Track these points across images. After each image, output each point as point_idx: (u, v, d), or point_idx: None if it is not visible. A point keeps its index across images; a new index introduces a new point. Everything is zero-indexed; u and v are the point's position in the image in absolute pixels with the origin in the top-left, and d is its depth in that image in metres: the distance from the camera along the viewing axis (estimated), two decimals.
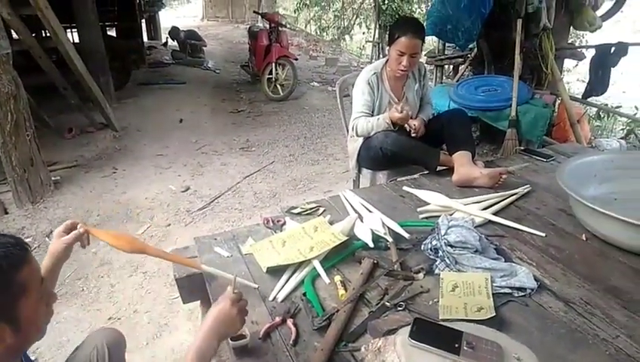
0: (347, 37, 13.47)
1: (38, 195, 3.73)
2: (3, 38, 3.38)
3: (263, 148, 5.01)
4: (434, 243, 1.73)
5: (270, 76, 6.90)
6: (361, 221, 1.97)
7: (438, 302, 1.54)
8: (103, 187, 4.07)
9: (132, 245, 1.46)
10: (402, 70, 2.51)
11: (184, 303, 1.82)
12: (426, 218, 2.07)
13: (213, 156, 4.83)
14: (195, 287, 1.79)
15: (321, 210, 2.19)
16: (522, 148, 2.94)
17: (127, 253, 1.46)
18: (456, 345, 0.76)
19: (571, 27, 4.56)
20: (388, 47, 2.64)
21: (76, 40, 6.53)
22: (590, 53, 4.35)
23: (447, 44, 4.75)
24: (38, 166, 3.73)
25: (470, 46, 4.50)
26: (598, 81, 4.15)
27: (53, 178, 3.99)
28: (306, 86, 7.80)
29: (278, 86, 6.96)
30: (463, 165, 2.41)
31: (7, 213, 3.64)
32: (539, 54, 4.16)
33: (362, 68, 2.97)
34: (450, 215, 1.94)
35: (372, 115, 2.63)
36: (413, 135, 2.57)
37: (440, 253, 1.70)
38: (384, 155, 2.54)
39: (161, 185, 4.10)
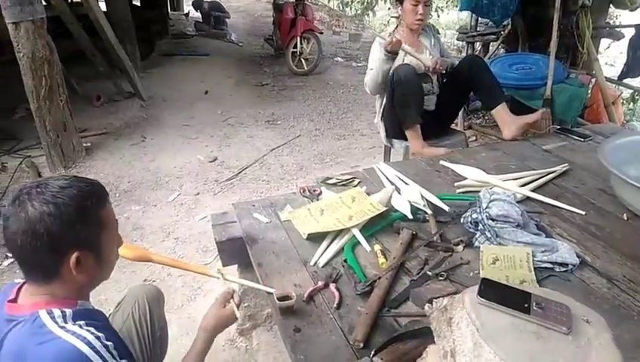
0: (370, 13, 13.22)
1: (71, 160, 3.81)
2: (38, 3, 3.39)
3: (289, 122, 5.01)
4: (474, 216, 1.73)
5: (295, 50, 6.84)
6: (399, 193, 1.98)
7: (478, 273, 1.55)
8: (132, 154, 4.13)
9: (134, 253, 1.46)
10: (419, 20, 2.55)
11: (223, 266, 1.86)
12: (463, 193, 2.06)
13: (239, 128, 4.85)
14: (235, 251, 1.83)
15: (357, 181, 2.20)
16: (559, 127, 2.88)
17: (129, 260, 1.46)
18: (526, 305, 0.77)
19: (610, 5, 4.41)
20: (399, 6, 2.65)
21: (103, 9, 6.53)
22: (628, 33, 4.21)
23: (479, 21, 4.63)
24: (71, 131, 3.79)
25: (504, 23, 4.39)
26: (636, 62, 4.03)
27: (84, 144, 4.05)
28: (329, 61, 7.71)
29: (302, 60, 6.90)
30: (508, 118, 2.60)
31: (40, 176, 3.72)
32: (575, 32, 4.04)
33: None
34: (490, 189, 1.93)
35: None
36: (431, 69, 2.60)
37: (480, 226, 1.71)
38: (396, 92, 2.57)
39: (189, 155, 4.14)
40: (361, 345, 1.27)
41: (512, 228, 1.65)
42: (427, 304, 0.85)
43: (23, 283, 1.07)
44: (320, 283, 1.50)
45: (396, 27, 2.76)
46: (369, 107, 5.39)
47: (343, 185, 2.17)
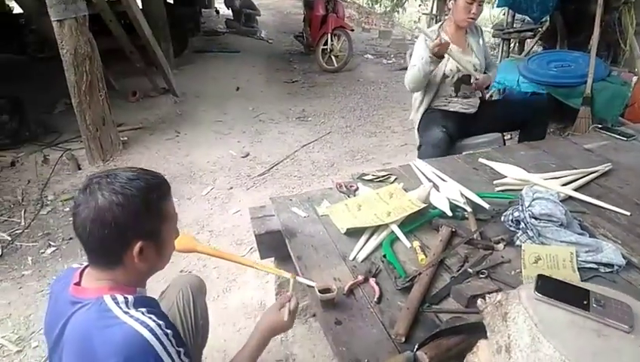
0: (400, 9, 13.11)
1: (109, 153, 3.91)
2: (80, 1, 3.49)
3: (319, 119, 5.02)
4: (516, 214, 1.70)
5: (325, 47, 6.86)
6: (437, 190, 1.97)
7: (520, 272, 1.53)
8: (167, 149, 4.22)
9: (181, 244, 1.44)
10: (471, 18, 2.49)
11: (262, 259, 1.89)
12: (502, 191, 2.03)
13: (270, 124, 4.89)
14: (273, 244, 1.85)
15: (393, 177, 2.20)
16: (600, 125, 2.80)
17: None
18: (585, 302, 0.76)
19: None
20: (451, 0, 2.60)
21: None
22: None
23: (515, 17, 4.54)
24: (109, 125, 3.90)
25: (542, 19, 4.29)
26: None
27: (121, 138, 4.16)
28: (359, 58, 7.70)
29: (332, 57, 6.91)
30: None
31: (80, 168, 3.84)
32: (617, 29, 3.92)
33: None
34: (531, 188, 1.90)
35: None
36: (473, 83, 2.54)
37: (522, 224, 1.68)
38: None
39: (221, 150, 4.20)
40: (403, 339, 1.27)
41: (555, 227, 1.62)
42: (480, 299, 0.85)
43: (85, 268, 1.11)
44: (360, 278, 1.50)
45: (442, 23, 2.70)
46: (400, 104, 5.37)
47: (380, 181, 2.17)
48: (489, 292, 1.41)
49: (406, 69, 2.82)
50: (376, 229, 1.76)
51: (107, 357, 0.95)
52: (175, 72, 6.00)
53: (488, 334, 0.83)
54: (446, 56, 2.52)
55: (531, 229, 1.63)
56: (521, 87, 3.75)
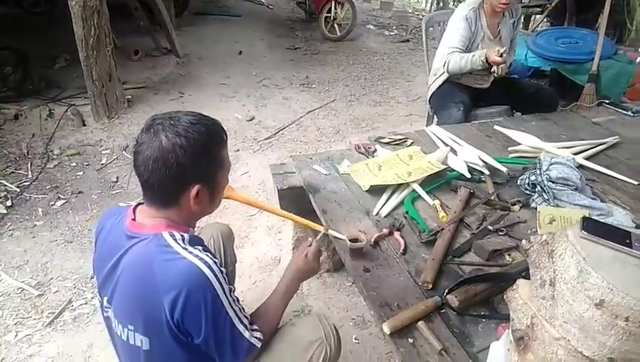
0: None
1: (114, 111, 3.89)
2: None
3: (324, 86, 5.02)
4: (532, 178, 1.77)
5: (328, 15, 6.77)
6: (454, 153, 2.03)
7: (536, 231, 1.60)
8: (171, 109, 4.07)
9: None
10: (505, 4, 2.47)
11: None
12: (516, 157, 2.10)
13: (274, 89, 4.87)
14: (294, 199, 1.90)
15: (409, 141, 2.24)
16: (607, 101, 2.87)
17: None
18: (627, 241, 0.82)
19: None
20: None
21: None
22: None
23: None
24: (115, 82, 3.86)
25: None
26: None
27: (125, 96, 4.12)
28: (361, 28, 7.61)
29: (335, 25, 6.83)
30: None
31: (84, 124, 3.82)
32: (625, 9, 3.95)
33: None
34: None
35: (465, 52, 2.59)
36: (495, 75, 2.55)
37: (538, 188, 1.75)
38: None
39: (227, 113, 4.19)
40: (430, 286, 1.34)
41: (570, 190, 1.70)
42: (524, 239, 0.91)
43: (136, 206, 1.15)
44: (385, 231, 1.57)
45: (482, 1, 2.62)
46: (404, 75, 5.38)
47: (397, 144, 2.22)
48: (509, 248, 1.50)
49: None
50: (397, 188, 1.82)
51: (168, 289, 1.00)
52: (177, 32, 5.89)
53: (531, 271, 0.90)
54: (480, 39, 2.57)
55: (547, 192, 1.70)
56: (529, 62, 3.79)
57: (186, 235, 1.09)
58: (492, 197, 1.76)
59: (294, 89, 4.92)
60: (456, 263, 1.46)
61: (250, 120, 4.12)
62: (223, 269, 1.08)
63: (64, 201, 2.90)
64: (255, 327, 1.16)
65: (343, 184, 1.88)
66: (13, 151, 3.42)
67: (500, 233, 1.59)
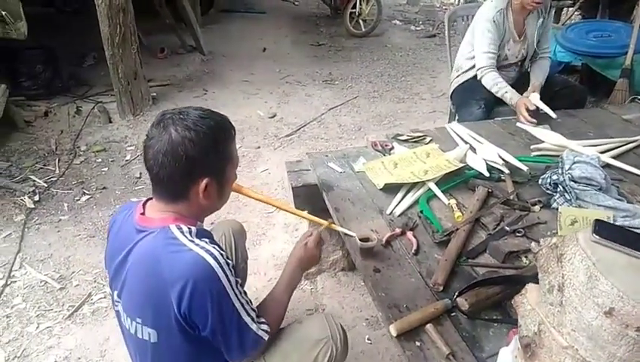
0: None
1: (139, 108, 3.96)
2: None
3: (346, 83, 4.98)
4: (554, 177, 1.71)
5: (353, 10, 6.71)
6: (474, 151, 1.97)
7: (556, 233, 1.54)
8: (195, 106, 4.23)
9: None
10: (538, 2, 2.37)
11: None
12: (539, 156, 2.03)
13: (297, 86, 4.87)
14: (309, 196, 1.89)
15: (428, 138, 2.20)
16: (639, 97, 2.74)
17: None
18: None
19: None
20: None
21: None
22: None
23: None
24: (140, 80, 3.93)
25: None
26: None
27: (151, 93, 4.19)
28: (387, 24, 7.52)
29: (360, 21, 6.77)
30: None
31: (111, 121, 3.90)
32: None
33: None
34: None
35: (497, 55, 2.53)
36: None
37: (560, 187, 1.68)
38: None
39: (249, 110, 4.21)
40: (441, 288, 1.31)
41: (593, 191, 1.63)
42: (534, 242, 0.87)
43: (146, 201, 1.17)
44: (397, 230, 1.54)
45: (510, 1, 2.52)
46: (429, 71, 5.29)
47: (415, 141, 2.18)
48: (526, 250, 1.45)
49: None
50: (412, 186, 1.78)
51: (175, 280, 1.02)
52: (202, 30, 5.96)
53: (540, 275, 0.86)
54: (506, 40, 2.52)
55: (569, 192, 1.64)
56: (558, 57, 3.67)
57: (193, 228, 1.10)
58: (511, 197, 1.71)
59: (317, 86, 4.91)
60: (469, 265, 1.42)
61: (272, 117, 4.13)
62: (229, 261, 1.08)
63: (89, 197, 2.97)
64: (262, 320, 1.17)
65: (358, 182, 1.86)
66: (43, 147, 3.52)
67: (518, 234, 1.54)
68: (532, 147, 2.06)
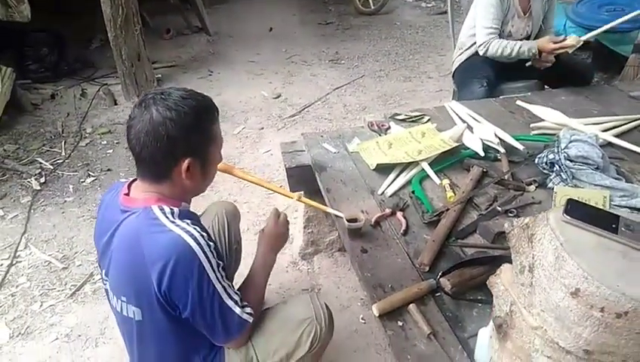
0: None
1: (143, 90, 3.96)
2: None
3: (353, 62, 4.92)
4: (550, 156, 1.67)
5: None
6: (471, 131, 1.94)
7: None
8: (199, 87, 4.18)
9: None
10: None
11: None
12: (539, 134, 1.99)
13: (302, 66, 4.83)
14: (303, 178, 1.89)
15: (426, 118, 2.17)
16: None
17: None
18: (614, 226, 0.76)
19: None
20: None
21: None
22: None
23: None
24: (144, 62, 3.93)
25: None
26: None
27: (155, 75, 4.19)
28: (397, 1, 7.37)
29: None
30: None
31: (116, 103, 3.93)
32: None
33: None
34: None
35: (500, 31, 2.45)
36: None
37: (556, 167, 1.65)
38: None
39: (253, 90, 4.20)
40: (427, 268, 1.30)
41: (590, 170, 1.59)
42: (507, 222, 0.86)
43: (132, 181, 1.18)
44: (387, 211, 1.53)
45: None
46: (437, 49, 5.19)
47: (412, 121, 2.15)
48: None
49: (445, 12, 2.69)
50: (406, 167, 1.77)
51: (155, 261, 1.03)
52: (208, 10, 5.92)
53: (512, 256, 0.85)
54: (510, 16, 2.44)
55: (565, 172, 1.60)
56: (567, 32, 3.54)
57: (176, 209, 1.11)
58: (506, 177, 1.68)
59: (323, 65, 4.86)
60: (458, 245, 1.41)
61: (277, 97, 4.11)
62: (210, 243, 1.08)
63: (93, 178, 3.01)
64: (246, 303, 1.16)
65: (352, 163, 1.84)
66: (49, 129, 3.57)
67: (510, 214, 1.52)
68: (532, 125, 2.01)
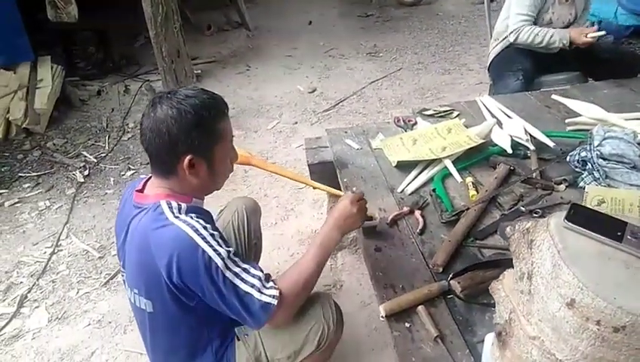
0: None
1: (183, 85, 4.07)
2: None
3: (391, 55, 4.84)
4: (583, 154, 1.58)
5: None
6: (500, 127, 1.87)
7: None
8: (237, 83, 4.31)
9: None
10: None
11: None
12: (574, 130, 1.88)
13: (339, 60, 4.80)
14: (325, 174, 1.88)
15: (455, 113, 2.11)
16: None
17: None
18: (619, 233, 0.71)
19: None
20: None
21: None
22: None
23: None
24: (184, 58, 4.03)
25: None
26: None
27: (195, 71, 4.30)
28: None
29: None
30: None
31: None
32: None
33: None
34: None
35: (535, 19, 2.34)
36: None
37: (589, 165, 1.56)
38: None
39: (289, 85, 4.22)
40: (440, 269, 1.27)
41: (625, 169, 1.50)
42: (509, 226, 0.82)
43: (149, 178, 1.22)
44: (405, 209, 1.50)
45: None
46: (480, 40, 5.01)
47: (441, 116, 2.09)
48: None
49: (492, 1, 2.59)
50: (429, 164, 1.73)
51: (161, 256, 1.07)
52: (248, 5, 5.99)
53: (514, 261, 0.81)
54: (551, 2, 2.33)
55: (597, 170, 1.52)
56: (619, 20, 3.34)
57: (183, 205, 1.14)
58: (533, 175, 1.61)
59: (360, 58, 4.81)
60: (477, 246, 1.37)
61: (312, 92, 4.11)
62: (215, 233, 1.10)
63: (133, 172, 3.13)
64: (269, 285, 1.11)
65: (374, 159, 1.82)
66: (95, 124, 3.74)
67: (535, 215, 1.45)
68: (567, 121, 1.91)
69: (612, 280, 0.65)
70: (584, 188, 1.51)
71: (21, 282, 2.20)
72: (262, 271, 1.13)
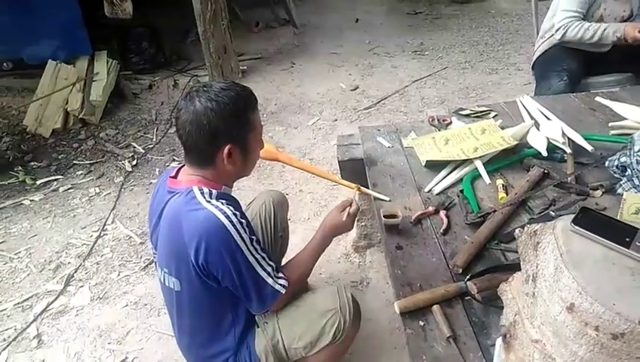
0: None
1: (229, 81, 4.19)
2: None
3: (437, 53, 4.76)
4: (623, 159, 1.51)
5: None
6: (537, 128, 1.81)
7: None
8: (281, 79, 4.39)
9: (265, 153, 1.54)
10: None
11: None
12: (618, 135, 1.80)
13: (384, 57, 4.77)
14: (355, 171, 1.89)
15: (493, 113, 2.06)
16: None
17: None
18: (627, 239, 0.68)
19: None
20: None
21: None
22: None
23: None
24: (230, 54, 4.15)
25: None
26: None
27: (241, 67, 4.41)
28: None
29: None
30: None
31: None
32: None
33: None
34: None
35: (584, 16, 2.24)
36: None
37: (628, 171, 1.49)
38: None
39: (332, 82, 4.25)
40: (460, 270, 1.26)
41: None
42: (518, 228, 0.81)
43: (182, 166, 1.30)
44: (430, 209, 1.49)
45: None
46: (532, 38, 4.79)
47: (477, 116, 2.06)
48: None
49: None
50: (459, 164, 1.70)
51: (191, 237, 1.15)
52: (296, 2, 6.06)
53: (521, 264, 0.80)
54: (600, 1, 2.23)
55: (637, 177, 1.45)
56: None
57: (214, 191, 1.21)
58: (568, 180, 1.55)
59: (405, 57, 4.76)
60: (501, 249, 1.34)
61: (354, 89, 4.12)
62: (243, 220, 1.17)
63: (178, 163, 3.26)
64: (280, 275, 1.25)
65: (404, 158, 1.82)
66: (145, 117, 3.92)
67: None
68: (611, 124, 1.83)
69: (613, 286, 0.64)
70: (622, 195, 1.44)
71: (69, 262, 2.36)
72: (274, 262, 1.24)
